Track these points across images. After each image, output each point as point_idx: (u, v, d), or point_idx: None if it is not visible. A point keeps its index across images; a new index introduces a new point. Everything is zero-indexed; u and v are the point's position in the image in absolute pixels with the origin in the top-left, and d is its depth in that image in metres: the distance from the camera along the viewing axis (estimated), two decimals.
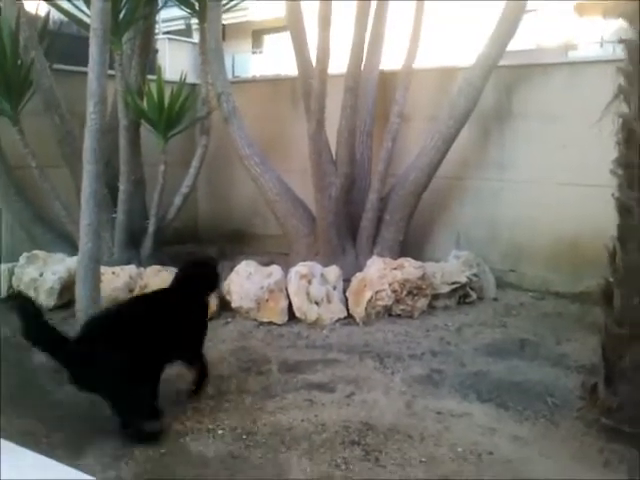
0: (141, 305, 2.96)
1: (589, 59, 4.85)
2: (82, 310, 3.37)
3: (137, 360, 2.59)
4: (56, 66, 5.05)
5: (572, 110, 4.62)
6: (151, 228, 5.09)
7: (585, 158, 4.46)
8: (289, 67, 4.97)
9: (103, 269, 4.15)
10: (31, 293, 4.40)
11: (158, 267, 4.40)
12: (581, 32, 15.59)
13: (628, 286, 2.59)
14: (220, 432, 2.72)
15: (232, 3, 5.70)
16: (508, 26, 4.52)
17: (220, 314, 4.18)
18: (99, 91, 3.38)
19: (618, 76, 2.65)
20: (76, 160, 3.45)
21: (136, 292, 4.19)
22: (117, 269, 4.38)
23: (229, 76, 5.42)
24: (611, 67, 2.66)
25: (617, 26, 2.85)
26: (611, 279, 2.68)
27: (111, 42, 4.62)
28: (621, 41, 2.61)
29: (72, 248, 3.55)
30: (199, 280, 3.04)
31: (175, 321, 2.83)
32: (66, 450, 2.57)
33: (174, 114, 4.98)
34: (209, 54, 5.04)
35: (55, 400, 3.05)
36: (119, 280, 4.26)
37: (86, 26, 3.47)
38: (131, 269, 4.39)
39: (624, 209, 2.62)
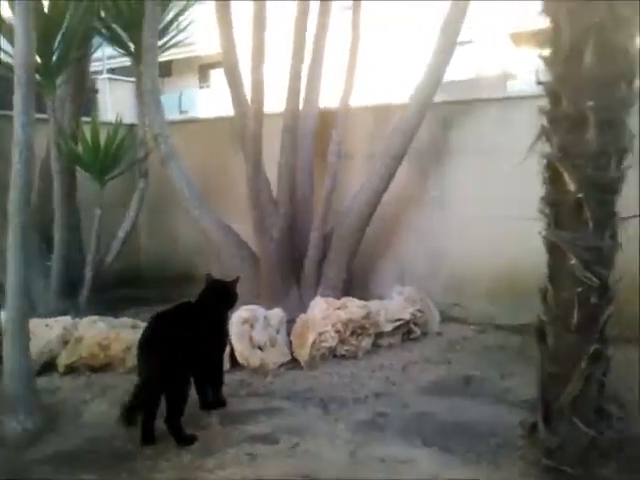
0: (184, 312, 3.24)
1: (522, 94, 4.96)
2: (10, 368, 3.20)
3: (185, 360, 2.99)
4: None
5: (508, 144, 4.68)
6: (88, 274, 4.96)
7: (522, 192, 4.49)
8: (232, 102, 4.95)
9: (36, 321, 4.02)
10: None
11: (94, 317, 4.24)
12: (519, 62, 16.11)
13: (560, 324, 2.60)
14: None
15: (172, 43, 5.70)
16: (440, 61, 4.59)
17: None
18: (24, 139, 3.27)
19: (540, 116, 2.70)
20: (4, 210, 3.32)
21: (70, 344, 4.02)
22: (51, 321, 4.20)
23: (176, 112, 5.36)
24: (542, 102, 2.70)
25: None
26: (544, 317, 2.69)
27: (43, 87, 4.56)
28: (539, 83, 2.67)
29: (2, 298, 3.43)
30: (219, 296, 3.36)
31: (201, 330, 3.16)
32: None
33: (110, 157, 4.90)
34: (146, 95, 4.99)
35: None
36: (52, 333, 4.08)
37: (12, 70, 3.37)
38: (65, 320, 4.22)
39: (552, 248, 2.65)
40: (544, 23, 2.69)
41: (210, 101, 18.46)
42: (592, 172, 2.49)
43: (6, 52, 4.60)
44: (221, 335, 3.43)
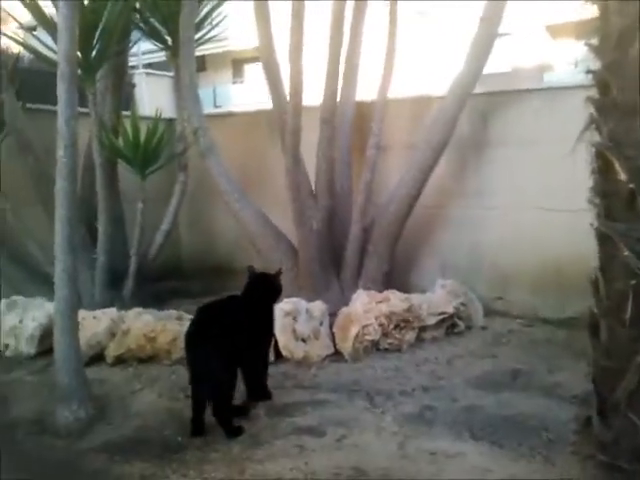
0: (229, 305, 3.28)
1: (564, 84, 4.87)
2: (61, 359, 3.26)
3: (231, 352, 3.02)
4: (30, 105, 5.00)
5: (549, 135, 4.63)
6: (132, 267, 5.02)
7: (564, 183, 4.45)
8: (269, 97, 4.95)
9: (84, 313, 4.09)
10: (11, 341, 4.31)
11: (140, 310, 4.30)
12: (555, 53, 15.85)
13: (613, 317, 2.54)
14: None
15: (207, 37, 5.72)
16: (480, 52, 4.52)
17: None
18: (69, 134, 3.30)
19: (588, 105, 2.64)
20: (51, 201, 3.38)
21: (118, 336, 4.08)
22: (98, 313, 4.28)
23: (211, 107, 5.39)
24: (583, 92, 2.65)
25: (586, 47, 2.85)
26: (596, 310, 2.63)
27: (83, 81, 4.61)
28: (589, 72, 2.61)
29: (52, 290, 3.53)
30: (264, 289, 3.37)
31: (248, 322, 3.18)
32: None
33: (150, 151, 4.94)
34: (184, 90, 5.01)
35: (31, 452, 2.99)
36: (100, 325, 4.15)
37: (55, 64, 3.41)
38: (112, 312, 4.28)
39: (604, 238, 2.59)
40: (588, 12, 2.63)
41: (244, 96, 18.58)
42: None
43: (49, 47, 4.68)
44: (267, 327, 3.45)
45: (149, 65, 16.53)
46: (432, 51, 14.68)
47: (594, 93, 2.61)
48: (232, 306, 3.26)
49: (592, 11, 2.59)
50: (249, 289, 3.37)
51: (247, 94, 18.44)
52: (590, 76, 2.62)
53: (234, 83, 21.36)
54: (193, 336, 3.08)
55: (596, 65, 2.60)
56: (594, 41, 2.59)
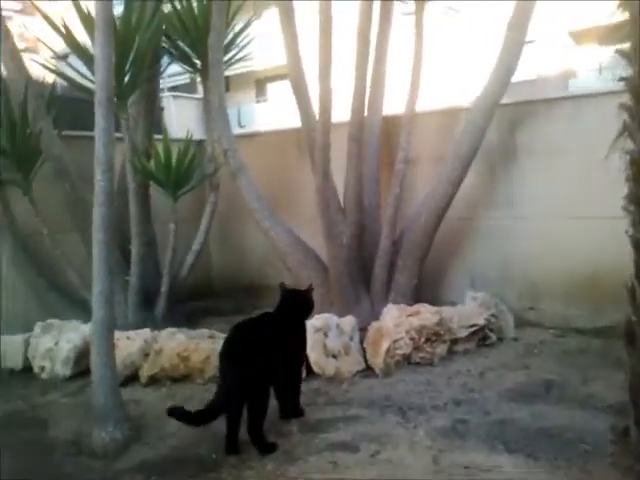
0: (263, 323, 3.29)
1: (590, 92, 4.84)
2: (98, 380, 3.33)
3: (265, 370, 3.05)
4: (66, 132, 5.16)
5: (577, 143, 4.61)
6: (164, 288, 5.10)
7: (594, 190, 4.43)
8: (294, 114, 5.02)
9: (118, 334, 4.14)
10: (47, 363, 4.40)
11: (172, 329, 4.36)
12: (579, 59, 15.69)
13: None
14: None
15: (234, 59, 5.83)
16: (507, 62, 4.53)
17: None
18: (106, 158, 3.40)
19: (621, 112, 2.63)
20: (87, 226, 3.47)
21: (151, 356, 4.15)
22: (132, 334, 4.35)
23: (235, 127, 5.48)
24: (611, 99, 2.64)
25: (612, 53, 2.84)
26: (633, 317, 2.60)
27: (116, 106, 4.74)
28: (622, 79, 2.60)
29: (87, 314, 3.61)
30: (297, 306, 3.38)
31: (281, 340, 3.20)
32: None
33: (182, 173, 5.03)
34: (213, 112, 5.11)
35: (69, 473, 3.02)
36: (134, 345, 4.22)
37: (90, 93, 3.52)
38: (145, 333, 4.35)
39: (639, 245, 2.57)
40: (617, 18, 2.63)
41: (268, 115, 18.77)
42: None
43: (82, 75, 4.83)
44: (300, 344, 3.46)
45: (174, 88, 16.85)
46: (458, 60, 14.66)
47: (626, 100, 2.60)
48: (265, 324, 3.28)
49: (622, 16, 2.59)
50: (281, 306, 3.37)
51: (271, 113, 18.64)
52: (622, 83, 2.61)
53: (257, 102, 21.59)
54: (227, 355, 3.12)
55: (628, 71, 2.60)
56: (626, 47, 2.59)
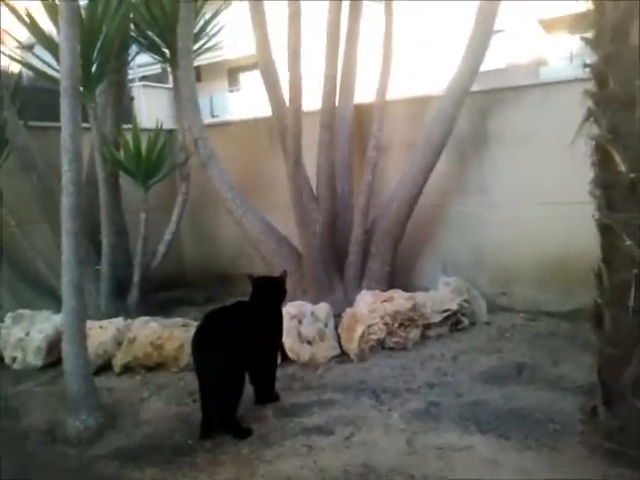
0: (236, 311, 3.31)
1: (559, 79, 4.90)
2: (70, 369, 3.30)
3: (238, 358, 3.06)
4: (33, 123, 5.06)
5: (546, 130, 4.67)
6: (136, 277, 5.07)
7: (563, 176, 4.49)
8: (266, 103, 4.99)
9: (90, 323, 4.11)
10: (19, 354, 4.35)
11: (146, 318, 4.33)
12: (550, 48, 15.89)
13: (617, 306, 2.57)
14: None
15: (204, 48, 5.78)
16: (476, 51, 4.56)
17: None
18: (73, 148, 3.35)
19: (586, 99, 2.67)
20: (56, 216, 3.43)
21: (125, 345, 4.12)
22: (104, 322, 4.31)
23: (208, 117, 5.43)
24: (579, 86, 2.68)
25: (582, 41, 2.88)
26: (599, 300, 2.66)
27: (84, 96, 4.66)
28: (586, 65, 2.64)
29: (58, 303, 3.59)
30: (269, 293, 3.38)
31: (255, 328, 3.21)
32: None
33: (152, 163, 4.99)
34: (184, 101, 5.06)
35: (43, 461, 3.02)
36: (107, 334, 4.19)
37: (56, 82, 3.46)
38: (118, 322, 4.32)
39: (605, 229, 2.62)
40: (582, 6, 2.67)
41: (240, 104, 18.67)
42: None
43: (48, 64, 4.74)
44: (274, 331, 3.45)
45: (145, 77, 16.65)
46: (428, 49, 14.74)
47: (591, 86, 2.64)
48: (238, 311, 3.29)
49: (587, 5, 2.63)
50: (254, 293, 3.37)
51: (243, 102, 18.54)
52: (587, 70, 2.65)
53: (230, 92, 21.45)
54: (198, 342, 3.12)
55: (592, 58, 2.64)
56: (590, 34, 2.63)
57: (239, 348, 3.06)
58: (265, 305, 3.35)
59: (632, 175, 2.47)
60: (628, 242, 2.49)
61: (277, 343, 3.56)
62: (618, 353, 2.57)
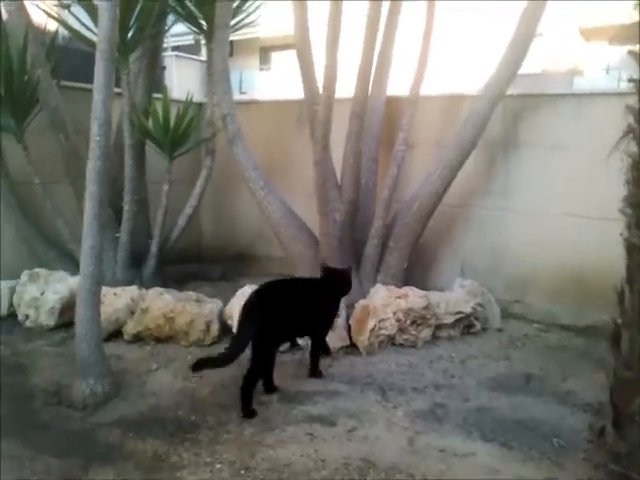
0: (294, 284, 3.63)
1: (596, 91, 4.83)
2: (82, 333, 3.32)
3: (278, 329, 3.26)
4: (64, 83, 5.06)
5: (578, 141, 4.61)
6: (154, 248, 5.08)
7: (590, 190, 4.44)
8: (296, 85, 4.95)
9: (105, 290, 4.13)
10: (32, 312, 4.39)
11: (160, 289, 4.34)
12: (587, 57, 15.63)
13: (637, 328, 2.53)
14: (218, 466, 2.67)
15: (241, 24, 5.74)
16: (516, 54, 4.48)
17: (221, 339, 4.12)
18: (104, 114, 3.34)
19: (627, 114, 2.61)
20: (80, 179, 3.43)
21: (137, 314, 4.14)
22: (119, 290, 4.34)
23: (236, 93, 5.40)
24: (616, 99, 2.63)
25: (622, 53, 2.83)
26: (619, 320, 2.62)
27: (118, 62, 4.65)
28: (631, 80, 2.58)
29: (74, 266, 3.61)
30: (336, 283, 3.63)
31: (313, 306, 3.47)
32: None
33: (179, 134, 4.98)
34: (216, 75, 5.03)
35: (46, 422, 3.04)
36: (120, 301, 4.21)
37: (93, 44, 3.44)
38: (133, 290, 4.34)
39: (633, 249, 2.57)
40: (629, 17, 2.60)
41: (270, 83, 18.59)
42: None
43: (86, 26, 4.72)
44: (330, 316, 3.69)
45: (177, 48, 16.58)
46: (467, 48, 14.56)
47: (633, 101, 2.58)
48: (295, 286, 3.57)
49: (634, 16, 2.56)
50: (323, 279, 3.62)
51: (273, 82, 18.45)
52: (631, 84, 2.59)
53: (261, 70, 21.34)
54: (249, 304, 3.27)
55: (637, 73, 2.58)
56: (636, 48, 2.57)
57: (281, 321, 3.25)
58: (330, 291, 3.58)
59: None
60: None
61: (328, 327, 3.73)
62: (633, 376, 2.53)
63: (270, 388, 3.40)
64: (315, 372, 3.63)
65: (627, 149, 2.57)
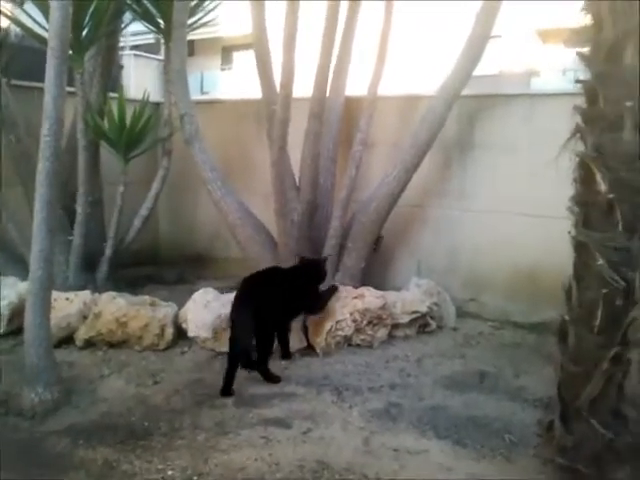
0: (280, 274, 3.93)
1: (550, 91, 4.92)
2: (31, 339, 3.24)
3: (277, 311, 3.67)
4: (16, 82, 4.93)
5: (532, 141, 4.68)
6: (108, 251, 4.99)
7: (544, 189, 4.51)
8: (257, 85, 4.93)
9: (56, 294, 4.05)
10: None
11: (113, 293, 4.25)
12: (544, 59, 15.92)
13: (583, 324, 2.58)
14: (170, 472, 2.64)
15: (199, 23, 5.68)
16: (472, 55, 4.54)
17: (176, 343, 4.08)
18: (54, 113, 3.27)
19: (575, 114, 2.67)
20: (31, 181, 3.34)
21: (89, 319, 4.06)
22: (71, 295, 4.24)
23: (197, 93, 5.34)
24: (569, 100, 2.67)
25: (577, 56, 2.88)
26: (566, 316, 2.67)
27: (72, 60, 4.56)
28: (578, 81, 2.63)
29: (26, 271, 3.51)
30: (311, 273, 3.99)
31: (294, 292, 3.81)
32: None
33: (135, 135, 4.90)
34: (173, 74, 4.97)
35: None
36: (72, 306, 4.12)
37: (45, 42, 3.37)
38: (85, 295, 4.25)
39: (580, 247, 2.63)
40: (580, 20, 2.65)
41: (231, 83, 18.47)
42: (625, 174, 2.45)
43: (38, 23, 4.61)
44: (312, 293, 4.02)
45: (136, 47, 16.34)
46: (424, 48, 14.69)
47: (581, 102, 2.64)
48: (279, 275, 3.89)
49: (585, 20, 2.61)
50: (297, 267, 4.01)
51: (235, 81, 18.33)
52: (579, 85, 2.64)
53: (222, 70, 21.19)
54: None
55: (586, 75, 2.63)
56: (585, 50, 2.62)
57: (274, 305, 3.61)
58: (304, 279, 3.91)
59: (611, 196, 2.47)
60: (600, 262, 2.50)
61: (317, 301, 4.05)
62: (579, 371, 2.59)
63: (287, 354, 3.92)
64: (287, 354, 3.92)
65: (575, 149, 2.63)
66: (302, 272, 3.95)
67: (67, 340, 4.06)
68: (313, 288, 3.98)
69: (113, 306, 4.06)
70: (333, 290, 4.19)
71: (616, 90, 2.47)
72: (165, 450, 2.80)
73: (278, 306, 3.65)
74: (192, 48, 19.18)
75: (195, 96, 5.23)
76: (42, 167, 3.28)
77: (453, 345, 4.29)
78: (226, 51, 21.09)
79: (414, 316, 4.36)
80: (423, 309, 4.39)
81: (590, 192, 2.57)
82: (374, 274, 4.96)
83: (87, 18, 4.68)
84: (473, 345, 4.31)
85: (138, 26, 6.06)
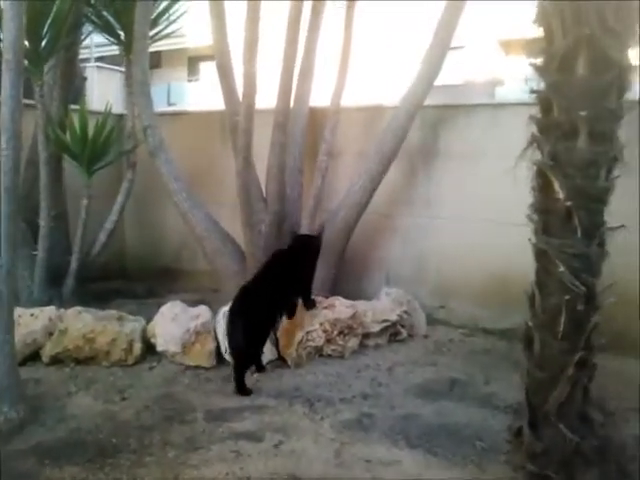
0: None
1: (512, 101, 5.00)
2: None
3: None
4: None
5: (493, 149, 4.75)
6: (74, 265, 4.91)
7: (508, 197, 4.56)
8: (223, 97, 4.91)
9: (21, 311, 3.98)
10: None
11: (79, 308, 4.16)
12: (507, 69, 16.21)
13: (547, 330, 2.62)
14: None
15: (162, 34, 5.64)
16: (432, 65, 4.61)
17: (145, 358, 4.01)
18: (12, 126, 3.20)
19: (531, 124, 2.72)
20: None
21: (55, 335, 3.97)
22: (36, 311, 4.13)
23: (164, 104, 5.31)
24: (529, 109, 2.72)
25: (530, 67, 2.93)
26: (530, 323, 2.71)
27: (30, 72, 4.49)
28: (533, 91, 2.68)
29: None
30: (305, 248, 4.15)
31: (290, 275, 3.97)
32: None
33: (98, 147, 4.85)
34: (135, 86, 4.93)
35: None
36: (37, 322, 4.01)
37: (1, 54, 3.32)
38: (51, 310, 4.15)
39: (540, 254, 2.67)
40: (535, 32, 2.71)
41: (199, 94, 18.37)
42: (582, 181, 2.51)
43: None
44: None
45: (101, 58, 16.17)
46: (386, 59, 14.84)
47: (537, 112, 2.69)
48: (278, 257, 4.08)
49: (538, 31, 2.67)
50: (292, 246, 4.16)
51: (202, 92, 18.23)
52: (534, 95, 2.69)
53: (189, 81, 21.08)
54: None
55: (540, 85, 2.68)
56: (539, 61, 2.67)
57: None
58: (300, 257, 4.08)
59: (568, 203, 2.51)
60: (561, 268, 2.54)
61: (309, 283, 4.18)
62: (545, 376, 2.62)
63: (260, 367, 3.90)
64: (260, 367, 3.92)
65: (533, 157, 2.67)
66: (297, 252, 4.10)
67: (33, 357, 3.96)
68: (308, 268, 4.14)
69: (79, 321, 3.98)
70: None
71: (569, 99, 2.53)
72: (134, 467, 2.75)
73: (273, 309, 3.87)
74: (159, 59, 19.07)
75: (162, 108, 5.19)
76: (1, 181, 3.21)
77: (424, 353, 4.31)
78: (192, 62, 20.99)
79: (385, 325, 4.38)
80: (393, 318, 4.41)
81: (548, 200, 2.62)
82: (345, 284, 4.97)
83: (45, 29, 4.62)
84: (444, 352, 4.34)
85: (102, 38, 6.00)
